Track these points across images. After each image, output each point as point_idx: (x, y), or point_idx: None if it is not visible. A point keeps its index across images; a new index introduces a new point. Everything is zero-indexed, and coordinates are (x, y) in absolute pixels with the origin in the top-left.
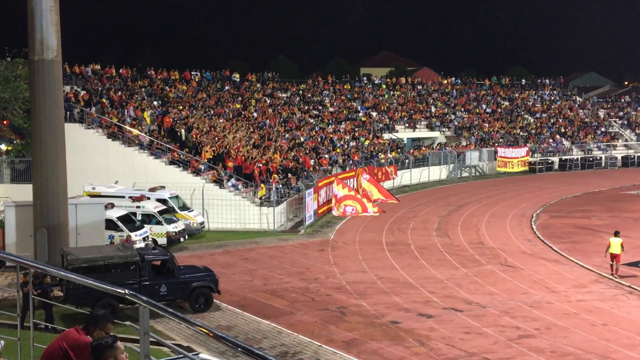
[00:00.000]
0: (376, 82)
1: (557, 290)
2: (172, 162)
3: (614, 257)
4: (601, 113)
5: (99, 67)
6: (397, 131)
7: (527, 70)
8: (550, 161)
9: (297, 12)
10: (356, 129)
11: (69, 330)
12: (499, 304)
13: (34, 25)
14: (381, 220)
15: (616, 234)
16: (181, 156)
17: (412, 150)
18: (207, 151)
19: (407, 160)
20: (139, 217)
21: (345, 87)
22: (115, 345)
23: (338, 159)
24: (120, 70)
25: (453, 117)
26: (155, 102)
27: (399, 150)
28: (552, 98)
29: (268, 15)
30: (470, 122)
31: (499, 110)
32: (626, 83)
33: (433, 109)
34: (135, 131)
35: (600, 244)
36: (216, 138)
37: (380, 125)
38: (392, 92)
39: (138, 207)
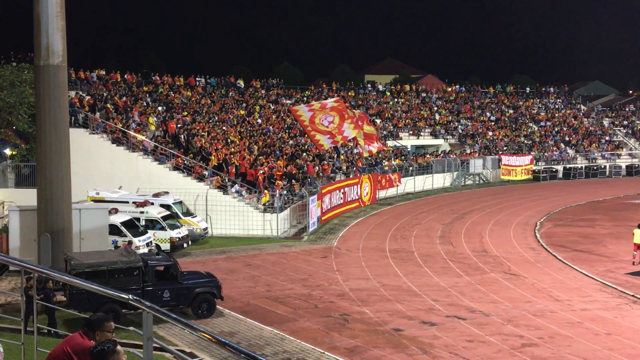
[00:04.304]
0: (380, 89)
1: (561, 299)
2: (176, 168)
3: (638, 247)
4: (605, 122)
5: (104, 72)
6: (401, 138)
7: (532, 79)
8: (554, 169)
9: (302, 19)
10: None
11: (73, 335)
12: (502, 313)
13: (40, 30)
14: (385, 227)
15: None
16: (185, 162)
17: (416, 158)
18: (213, 157)
19: (410, 168)
20: (143, 223)
21: (350, 94)
22: (116, 349)
23: (341, 165)
24: (125, 76)
25: (457, 124)
26: (160, 108)
27: (403, 157)
28: (557, 106)
29: (273, 21)
30: (474, 130)
31: (503, 118)
32: (631, 92)
33: (437, 117)
34: (139, 136)
35: (604, 252)
36: (220, 146)
37: (384, 132)
38: (396, 100)
39: (142, 212)
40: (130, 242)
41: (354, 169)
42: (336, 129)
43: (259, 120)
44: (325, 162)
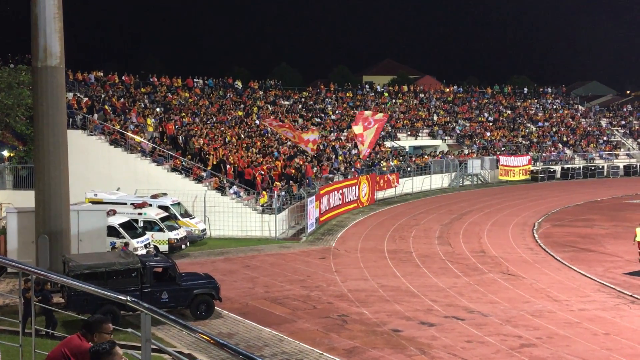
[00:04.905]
0: (378, 90)
1: (559, 299)
2: (174, 169)
3: None
4: (603, 122)
5: (101, 74)
6: (399, 139)
7: (529, 79)
8: (552, 170)
9: (300, 20)
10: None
11: (71, 337)
12: (500, 313)
13: (38, 32)
14: (383, 228)
15: None
16: (183, 163)
17: (414, 158)
18: (211, 156)
19: (409, 168)
20: (141, 224)
21: (348, 94)
22: (113, 350)
23: (340, 166)
24: (123, 77)
25: (455, 125)
26: (157, 109)
27: (401, 158)
28: (554, 107)
29: (271, 22)
30: (472, 131)
31: (501, 118)
32: (628, 92)
33: (435, 117)
34: (137, 138)
35: (602, 252)
36: (217, 146)
37: (383, 133)
38: (394, 100)
39: (140, 214)
40: (126, 244)
41: (352, 169)
42: (299, 141)
43: (257, 122)
44: (323, 163)
